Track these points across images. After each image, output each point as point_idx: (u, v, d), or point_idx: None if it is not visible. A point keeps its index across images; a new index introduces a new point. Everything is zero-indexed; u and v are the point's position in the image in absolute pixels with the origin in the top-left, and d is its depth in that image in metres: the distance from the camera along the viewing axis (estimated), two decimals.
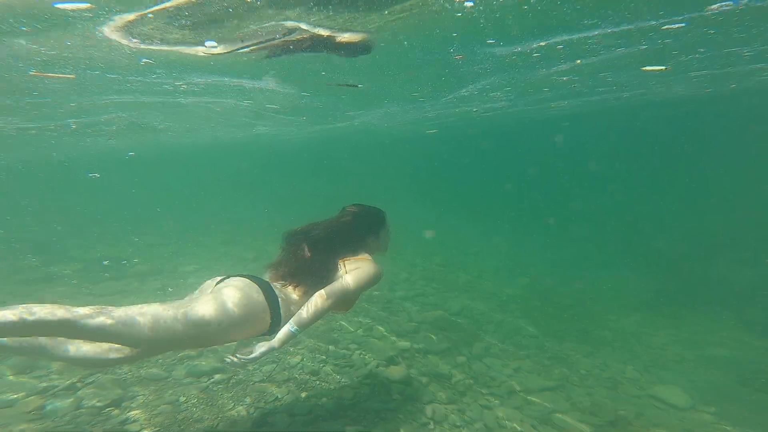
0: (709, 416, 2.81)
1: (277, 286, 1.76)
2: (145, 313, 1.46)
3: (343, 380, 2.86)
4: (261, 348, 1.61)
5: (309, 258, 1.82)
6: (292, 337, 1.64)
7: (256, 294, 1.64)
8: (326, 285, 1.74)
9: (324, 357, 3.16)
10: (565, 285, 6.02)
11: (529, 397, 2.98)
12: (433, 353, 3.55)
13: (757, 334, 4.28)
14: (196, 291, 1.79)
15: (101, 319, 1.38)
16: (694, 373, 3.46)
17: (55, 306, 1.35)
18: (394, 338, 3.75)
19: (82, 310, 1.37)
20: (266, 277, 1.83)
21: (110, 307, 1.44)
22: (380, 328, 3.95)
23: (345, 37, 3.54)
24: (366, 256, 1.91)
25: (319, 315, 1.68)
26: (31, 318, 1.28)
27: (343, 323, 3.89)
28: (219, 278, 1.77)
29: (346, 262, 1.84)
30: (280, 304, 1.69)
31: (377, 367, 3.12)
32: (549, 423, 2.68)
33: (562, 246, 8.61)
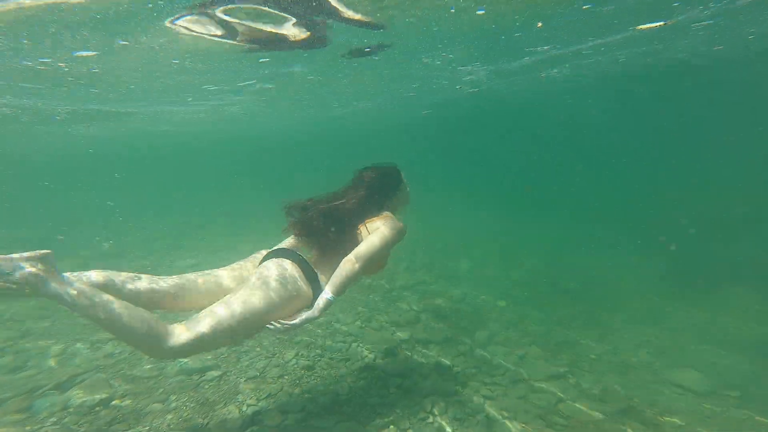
0: (733, 401, 2.63)
1: (311, 259, 1.84)
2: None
3: (338, 374, 2.75)
4: (301, 316, 1.69)
5: (333, 230, 1.86)
6: (329, 304, 1.73)
7: (298, 275, 1.75)
8: (352, 246, 1.81)
9: (319, 351, 3.06)
10: (573, 268, 5.82)
11: (535, 385, 2.84)
12: (433, 343, 3.43)
13: None
14: (237, 263, 1.93)
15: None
16: (714, 355, 3.26)
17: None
18: (393, 329, 3.64)
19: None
20: (291, 247, 1.92)
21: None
22: (379, 318, 3.84)
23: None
24: (387, 213, 1.96)
25: (351, 279, 1.75)
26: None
27: (340, 315, 3.79)
28: (263, 253, 1.92)
29: (367, 223, 1.90)
30: (318, 277, 1.80)
31: (375, 359, 3.01)
32: (556, 412, 2.55)
33: (570, 227, 8.34)
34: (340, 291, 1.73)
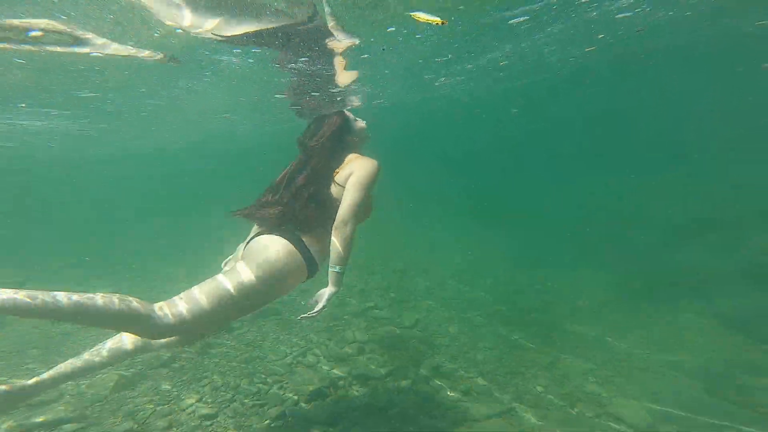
0: None
1: (294, 229, 1.75)
2: (199, 293, 1.57)
3: (244, 425, 2.32)
4: (323, 297, 1.67)
5: (312, 205, 1.79)
6: (341, 276, 1.70)
7: (288, 248, 1.67)
8: (333, 207, 1.75)
9: (230, 395, 2.61)
10: (531, 284, 5.73)
11: (473, 428, 2.53)
12: (373, 379, 3.07)
13: (728, 328, 4.02)
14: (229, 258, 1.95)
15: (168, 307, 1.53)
16: (659, 381, 3.13)
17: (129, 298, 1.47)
18: (329, 364, 3.24)
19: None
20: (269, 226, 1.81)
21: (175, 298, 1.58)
22: (315, 352, 3.43)
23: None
24: (352, 155, 1.87)
25: (350, 243, 1.69)
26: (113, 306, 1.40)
27: (268, 349, 3.35)
28: (250, 238, 1.79)
29: (337, 175, 1.81)
30: (309, 248, 1.72)
31: (296, 404, 2.60)
32: None
33: (529, 240, 8.40)
34: (345, 260, 1.69)
